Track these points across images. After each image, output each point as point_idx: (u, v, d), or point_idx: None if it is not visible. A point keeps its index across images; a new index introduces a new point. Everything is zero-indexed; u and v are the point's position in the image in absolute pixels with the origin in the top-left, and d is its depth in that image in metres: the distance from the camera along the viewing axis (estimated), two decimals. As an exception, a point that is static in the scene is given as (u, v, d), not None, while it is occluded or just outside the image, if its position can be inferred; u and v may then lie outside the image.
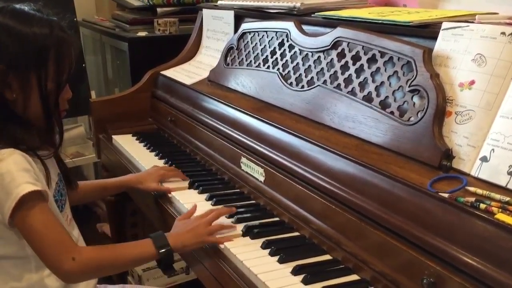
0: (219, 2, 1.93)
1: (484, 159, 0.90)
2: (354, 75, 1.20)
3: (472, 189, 0.88)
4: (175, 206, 1.33)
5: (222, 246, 1.09)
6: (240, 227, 1.16)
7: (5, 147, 0.98)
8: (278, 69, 1.45)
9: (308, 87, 1.33)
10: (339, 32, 1.27)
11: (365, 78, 1.18)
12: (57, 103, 1.07)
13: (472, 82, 0.97)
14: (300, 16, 1.50)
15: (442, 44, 1.05)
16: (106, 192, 1.44)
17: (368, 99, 1.15)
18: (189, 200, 1.30)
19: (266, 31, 1.56)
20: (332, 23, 1.35)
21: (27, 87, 1.01)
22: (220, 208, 1.20)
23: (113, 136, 1.82)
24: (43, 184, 1.00)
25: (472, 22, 1.03)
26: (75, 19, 2.41)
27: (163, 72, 1.95)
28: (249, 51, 1.61)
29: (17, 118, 1.03)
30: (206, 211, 1.17)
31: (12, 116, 1.02)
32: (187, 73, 1.90)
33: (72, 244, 1.00)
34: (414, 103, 1.05)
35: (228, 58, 1.71)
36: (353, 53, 1.22)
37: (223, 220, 1.18)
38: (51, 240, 0.97)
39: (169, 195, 1.36)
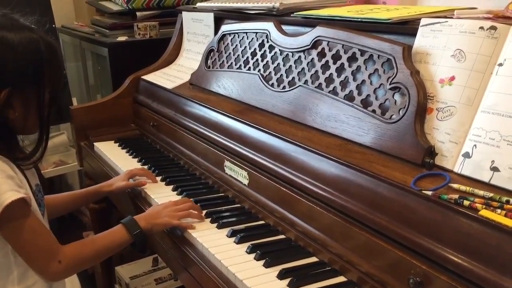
0: (198, 5, 1.91)
1: (467, 155, 0.90)
2: (335, 74, 1.19)
3: (455, 185, 0.87)
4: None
5: (202, 247, 1.09)
6: (225, 231, 1.14)
7: None
8: (259, 70, 1.44)
9: (289, 87, 1.31)
10: (318, 31, 1.26)
11: (346, 77, 1.17)
12: (50, 112, 1.07)
13: (452, 78, 0.97)
14: (280, 16, 1.49)
15: (422, 41, 1.04)
16: (77, 203, 1.42)
17: (349, 98, 1.14)
18: (173, 206, 1.29)
19: (246, 33, 1.54)
20: (311, 22, 1.34)
21: (28, 104, 1.02)
22: (195, 204, 1.23)
23: (95, 143, 1.79)
24: (26, 190, 1.01)
25: (451, 18, 1.03)
26: (54, 25, 2.38)
27: (144, 77, 1.93)
28: (229, 53, 1.59)
29: (10, 131, 1.03)
30: (180, 200, 1.25)
31: (6, 130, 1.02)
32: (168, 77, 1.88)
33: (57, 247, 1.03)
34: (395, 101, 1.04)
35: (209, 61, 1.69)
36: (333, 52, 1.21)
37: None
38: (37, 247, 1.01)
39: (150, 199, 1.34)
